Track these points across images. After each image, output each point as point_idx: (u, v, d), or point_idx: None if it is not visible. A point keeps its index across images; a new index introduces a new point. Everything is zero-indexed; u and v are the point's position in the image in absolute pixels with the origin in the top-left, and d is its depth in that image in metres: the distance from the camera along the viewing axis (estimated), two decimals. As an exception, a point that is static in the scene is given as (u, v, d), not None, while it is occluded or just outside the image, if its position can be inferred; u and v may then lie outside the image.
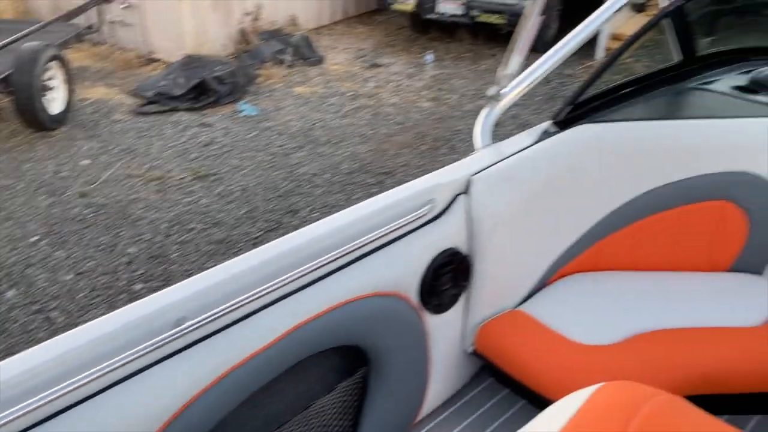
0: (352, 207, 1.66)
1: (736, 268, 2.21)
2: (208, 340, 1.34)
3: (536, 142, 2.04)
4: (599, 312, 1.98)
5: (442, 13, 7.39)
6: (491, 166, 1.90)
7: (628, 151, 2.12)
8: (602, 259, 2.19)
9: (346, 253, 1.56)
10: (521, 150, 1.99)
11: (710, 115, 2.19)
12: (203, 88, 6.02)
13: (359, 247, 1.58)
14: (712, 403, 1.94)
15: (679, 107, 2.30)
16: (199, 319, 1.29)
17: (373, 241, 1.61)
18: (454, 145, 5.34)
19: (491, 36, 7.77)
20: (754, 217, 2.14)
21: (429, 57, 7.38)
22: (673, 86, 2.42)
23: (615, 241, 2.17)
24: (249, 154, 5.17)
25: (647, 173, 2.13)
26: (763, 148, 2.11)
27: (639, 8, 2.48)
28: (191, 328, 1.29)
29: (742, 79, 2.49)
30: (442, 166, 1.89)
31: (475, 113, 2.21)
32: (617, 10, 2.24)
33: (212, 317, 1.31)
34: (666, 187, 2.13)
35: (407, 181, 1.78)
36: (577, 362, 1.79)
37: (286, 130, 5.66)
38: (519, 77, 2.06)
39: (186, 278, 1.36)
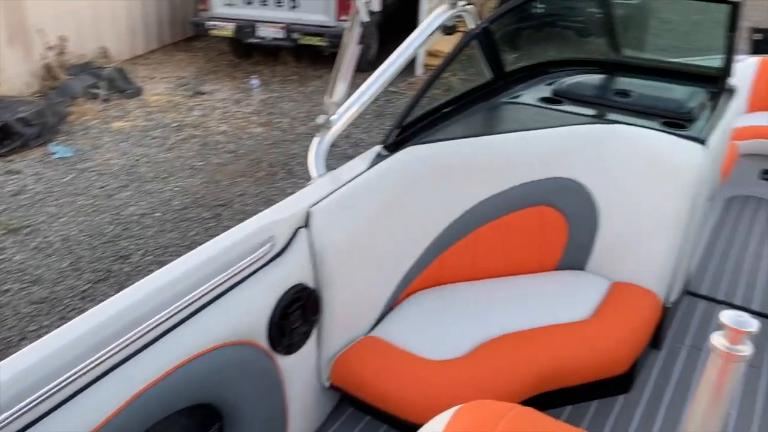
0: (185, 256, 1.55)
1: (562, 267, 2.39)
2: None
3: (370, 167, 2.06)
4: (446, 326, 2.04)
5: (263, 37, 7.32)
6: (328, 195, 1.89)
7: (456, 167, 2.22)
8: (445, 273, 2.27)
9: (185, 307, 1.45)
10: (356, 176, 2.00)
11: (523, 126, 2.35)
12: (6, 131, 5.43)
13: (198, 299, 1.49)
14: (558, 397, 2.08)
15: (496, 122, 2.45)
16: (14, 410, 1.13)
17: (213, 289, 1.53)
18: (292, 168, 5.29)
19: (315, 58, 7.84)
20: (571, 218, 2.33)
21: (254, 82, 7.27)
22: (487, 102, 2.58)
23: (454, 254, 2.25)
24: (67, 200, 4.74)
25: (476, 186, 2.24)
26: (571, 153, 2.31)
27: (448, 31, 2.60)
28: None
29: (546, 91, 2.72)
30: (282, 193, 1.85)
31: (309, 135, 2.20)
32: (430, 34, 2.35)
33: (29, 406, 1.15)
34: (494, 198, 2.25)
35: (246, 212, 1.72)
36: (430, 381, 1.82)
37: (107, 169, 5.27)
38: (346, 103, 2.07)
39: (4, 350, 1.19)
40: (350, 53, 1.97)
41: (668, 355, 2.49)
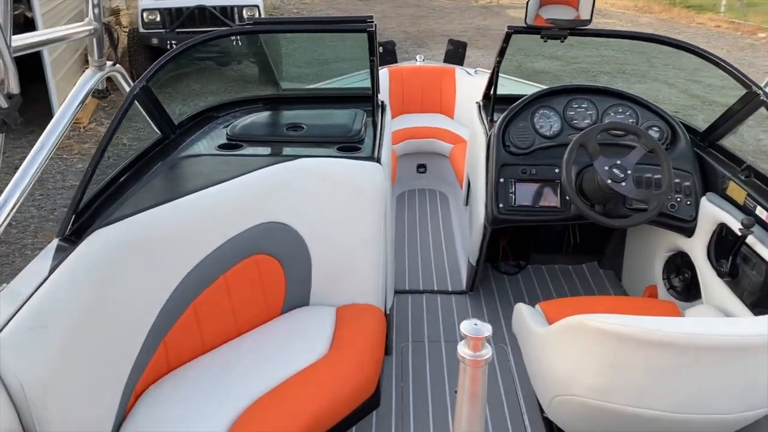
0: None
1: (287, 308, 2.38)
2: None
3: (54, 268, 1.75)
4: (192, 416, 1.85)
5: None
6: (10, 320, 1.56)
7: (154, 241, 2.02)
8: (174, 357, 2.06)
9: None
10: (41, 285, 1.68)
11: (211, 180, 2.25)
12: None
13: None
14: None
15: (183, 180, 2.30)
16: None
17: None
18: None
19: None
20: (284, 259, 2.32)
21: None
22: (166, 161, 2.41)
23: (179, 333, 2.06)
24: None
25: (182, 255, 2.08)
26: (267, 196, 2.29)
27: (101, 94, 2.36)
28: None
29: (221, 136, 2.66)
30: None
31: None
32: (83, 102, 2.10)
33: None
34: (205, 261, 2.12)
35: None
36: None
37: None
38: None
39: None
40: None
41: (399, 356, 2.67)
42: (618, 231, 3.18)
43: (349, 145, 2.55)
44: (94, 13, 2.06)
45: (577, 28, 2.53)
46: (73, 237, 1.90)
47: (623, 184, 2.29)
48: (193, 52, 9.01)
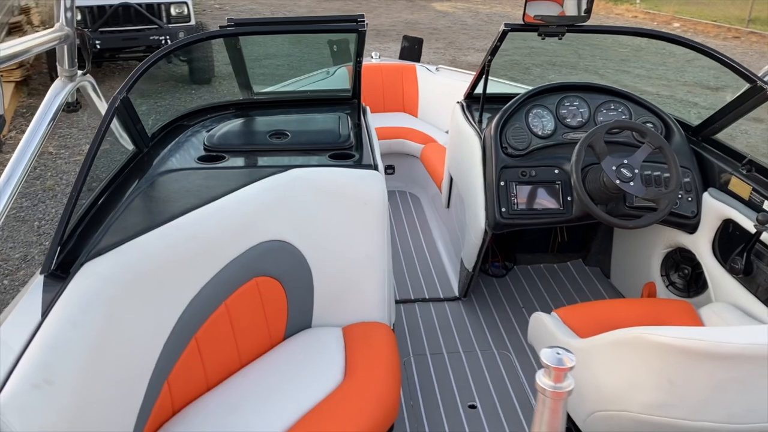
0: None
1: (290, 332, 2.20)
2: None
3: (47, 312, 1.52)
4: None
5: None
6: (11, 373, 1.33)
7: (149, 272, 1.79)
8: (179, 397, 1.85)
9: None
10: (36, 331, 1.46)
11: (200, 198, 2.04)
12: None
13: None
14: None
15: (169, 201, 2.07)
16: None
17: None
18: None
19: None
20: (285, 279, 2.14)
21: None
22: (143, 178, 2.18)
23: (182, 371, 1.85)
24: None
25: (180, 286, 1.86)
26: (263, 213, 2.10)
27: (72, 107, 2.11)
28: None
29: (198, 147, 2.44)
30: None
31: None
32: (54, 118, 1.86)
33: None
34: (204, 290, 1.91)
35: None
36: None
37: None
38: None
39: None
40: None
41: (403, 372, 2.54)
42: (603, 227, 3.17)
43: (341, 152, 2.39)
44: (66, 17, 1.81)
45: (575, 25, 2.47)
46: (59, 271, 1.67)
47: (631, 183, 2.24)
48: (117, 51, 8.44)
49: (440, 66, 4.62)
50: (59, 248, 1.70)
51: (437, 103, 4.37)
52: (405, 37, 4.95)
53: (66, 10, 1.80)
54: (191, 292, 1.87)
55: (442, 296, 3.05)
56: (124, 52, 8.22)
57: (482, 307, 2.96)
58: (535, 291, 3.11)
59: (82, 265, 1.69)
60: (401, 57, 4.90)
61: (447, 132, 4.21)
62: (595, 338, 1.77)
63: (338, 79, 4.10)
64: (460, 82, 4.25)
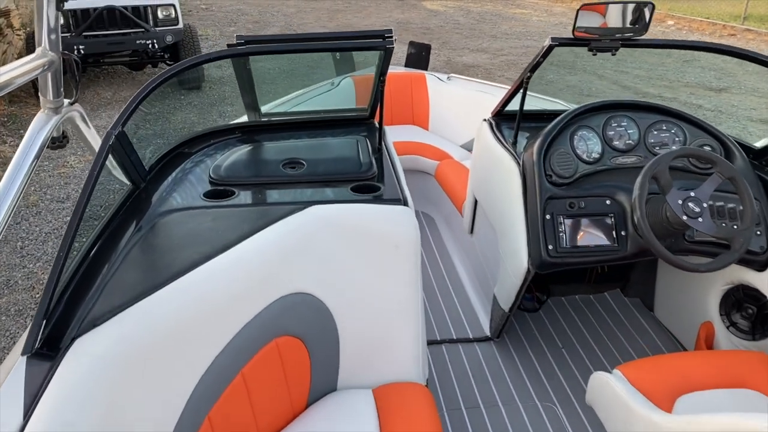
0: None
1: (313, 397, 1.92)
2: None
3: (34, 403, 1.24)
4: None
5: None
6: None
7: (152, 344, 1.50)
8: None
9: None
10: (26, 422, 1.18)
11: (211, 245, 1.75)
12: None
13: None
14: None
15: (174, 251, 1.77)
16: None
17: None
18: None
19: None
20: (308, 338, 1.86)
21: None
22: (143, 220, 1.88)
23: None
24: None
25: (190, 356, 1.57)
26: (280, 260, 1.81)
27: (58, 143, 1.81)
28: None
29: (203, 180, 2.15)
30: None
31: None
32: (39, 154, 1.56)
33: None
34: (219, 359, 1.62)
35: None
36: None
37: None
38: None
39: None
40: None
41: None
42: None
43: (364, 184, 2.11)
44: (50, 40, 1.51)
45: (631, 39, 2.20)
46: (45, 349, 1.38)
47: (700, 219, 1.98)
48: (102, 56, 8.05)
49: (452, 75, 4.33)
50: (44, 323, 1.41)
51: (450, 115, 4.08)
52: (411, 43, 4.65)
53: (50, 31, 1.50)
54: (203, 365, 1.58)
55: (471, 336, 2.77)
56: (109, 56, 7.88)
57: (517, 348, 2.69)
58: (572, 326, 2.84)
59: (73, 340, 1.40)
60: (407, 64, 4.60)
61: (462, 146, 3.93)
62: (690, 420, 1.51)
63: (344, 91, 3.80)
64: (474, 92, 3.98)
